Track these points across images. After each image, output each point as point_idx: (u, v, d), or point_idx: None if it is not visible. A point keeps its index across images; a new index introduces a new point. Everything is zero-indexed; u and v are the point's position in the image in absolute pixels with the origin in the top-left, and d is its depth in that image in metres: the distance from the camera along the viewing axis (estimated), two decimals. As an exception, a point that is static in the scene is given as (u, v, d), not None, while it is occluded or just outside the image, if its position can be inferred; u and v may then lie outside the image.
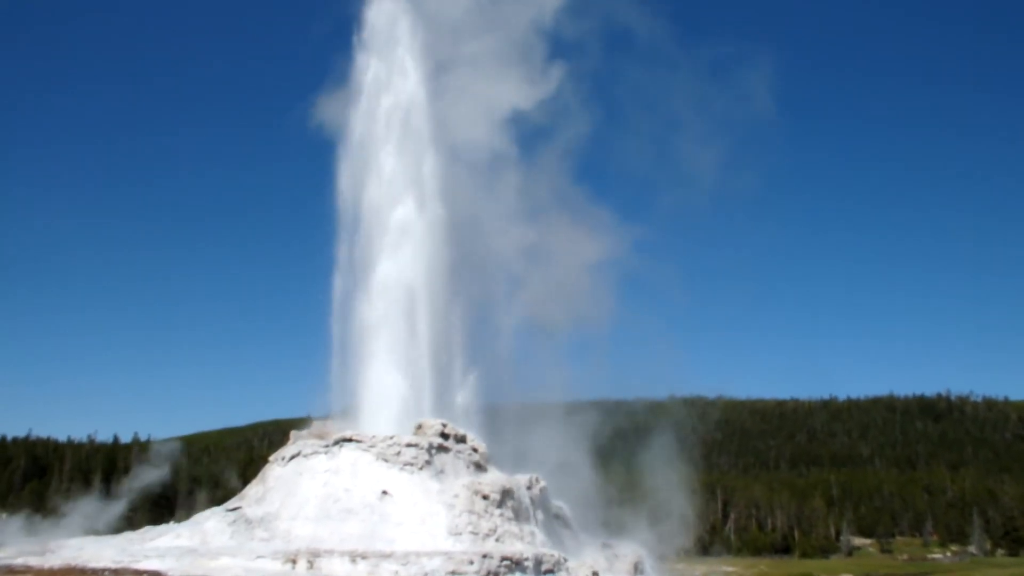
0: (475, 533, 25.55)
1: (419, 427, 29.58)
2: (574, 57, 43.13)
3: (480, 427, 31.19)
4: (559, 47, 42.41)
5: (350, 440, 28.58)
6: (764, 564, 65.03)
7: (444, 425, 29.47)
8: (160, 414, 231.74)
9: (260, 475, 29.56)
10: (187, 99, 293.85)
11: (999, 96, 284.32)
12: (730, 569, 58.10)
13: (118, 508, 39.28)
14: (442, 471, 28.13)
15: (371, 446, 28.21)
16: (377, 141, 35.52)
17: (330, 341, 33.80)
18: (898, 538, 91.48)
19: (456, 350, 33.36)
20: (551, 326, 40.85)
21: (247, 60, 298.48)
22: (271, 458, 29.81)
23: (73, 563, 22.72)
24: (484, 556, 23.04)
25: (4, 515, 45.59)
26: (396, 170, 35.01)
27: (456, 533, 25.36)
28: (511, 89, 39.99)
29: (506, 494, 27.35)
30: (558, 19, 42.62)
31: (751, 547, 79.04)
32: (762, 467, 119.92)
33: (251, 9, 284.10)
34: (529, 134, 41.25)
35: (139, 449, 78.48)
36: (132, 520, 40.17)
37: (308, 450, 28.67)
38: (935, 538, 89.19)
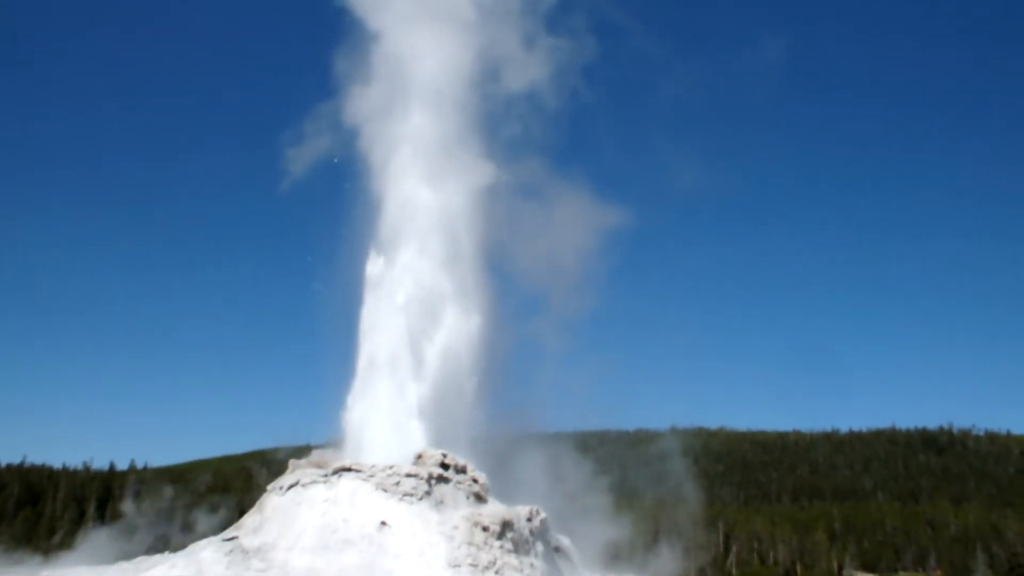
0: (474, 565, 25.20)
1: (419, 457, 29.28)
2: (569, 41, 42.59)
3: (480, 457, 30.84)
4: (555, 29, 41.95)
5: (349, 470, 28.28)
6: (766, 599, 64.19)
7: (444, 455, 29.16)
8: (157, 441, 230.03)
9: (258, 504, 29.23)
10: (181, 119, 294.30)
11: (1006, 120, 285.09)
12: (732, 603, 57.39)
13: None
14: (442, 502, 27.79)
15: (370, 476, 27.92)
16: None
17: (332, 368, 33.63)
18: (901, 573, 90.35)
19: (460, 378, 33.07)
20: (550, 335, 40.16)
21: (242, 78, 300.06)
22: (269, 487, 29.49)
23: (65, 593, 22.35)
24: (484, 589, 22.67)
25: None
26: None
27: (455, 565, 25.01)
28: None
29: (506, 526, 27.01)
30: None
31: (753, 581, 78.16)
32: (764, 499, 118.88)
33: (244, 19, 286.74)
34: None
35: (135, 477, 77.91)
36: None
37: (307, 479, 28.36)
38: (938, 573, 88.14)
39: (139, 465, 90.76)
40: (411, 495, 27.35)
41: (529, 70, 39.89)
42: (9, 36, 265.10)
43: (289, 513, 27.06)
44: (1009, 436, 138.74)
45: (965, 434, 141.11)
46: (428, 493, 27.65)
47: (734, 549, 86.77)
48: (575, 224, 41.10)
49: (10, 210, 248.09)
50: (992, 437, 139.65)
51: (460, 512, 27.31)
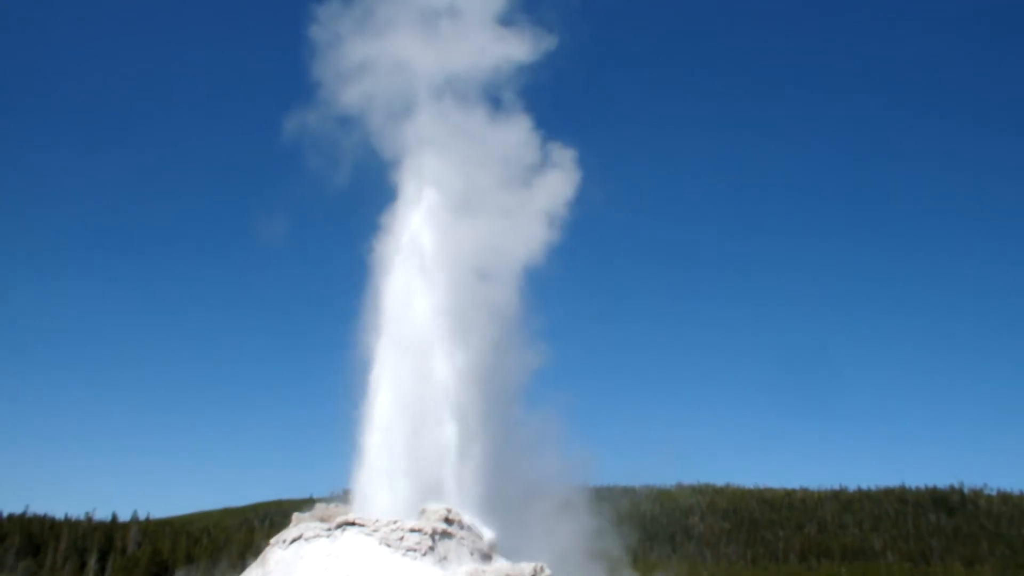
0: (478, 623, 24.93)
1: (423, 512, 29.10)
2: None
3: (484, 512, 30.65)
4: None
5: (353, 524, 28.12)
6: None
7: (448, 510, 28.96)
8: (160, 492, 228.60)
9: (260, 557, 29.09)
10: (184, 171, 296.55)
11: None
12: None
13: None
14: (445, 558, 27.57)
15: (374, 530, 27.75)
16: None
17: (338, 419, 33.63)
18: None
19: (464, 430, 32.98)
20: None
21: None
22: (272, 540, 29.40)
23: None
24: (487, 648, 22.41)
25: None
26: None
27: (458, 623, 24.74)
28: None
29: (510, 583, 26.78)
30: None
31: (761, 643, 76.81)
32: (771, 558, 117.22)
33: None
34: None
35: (138, 528, 77.38)
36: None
37: (310, 533, 28.22)
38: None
39: (141, 516, 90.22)
40: (414, 550, 27.16)
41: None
42: None
43: (292, 567, 26.88)
44: (1022, 496, 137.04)
45: (977, 494, 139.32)
46: (432, 548, 27.45)
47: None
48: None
49: (10, 257, 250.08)
50: (1005, 497, 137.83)
51: (464, 568, 27.09)
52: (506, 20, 40.11)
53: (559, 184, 39.38)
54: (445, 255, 35.07)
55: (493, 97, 39.19)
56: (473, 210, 36.43)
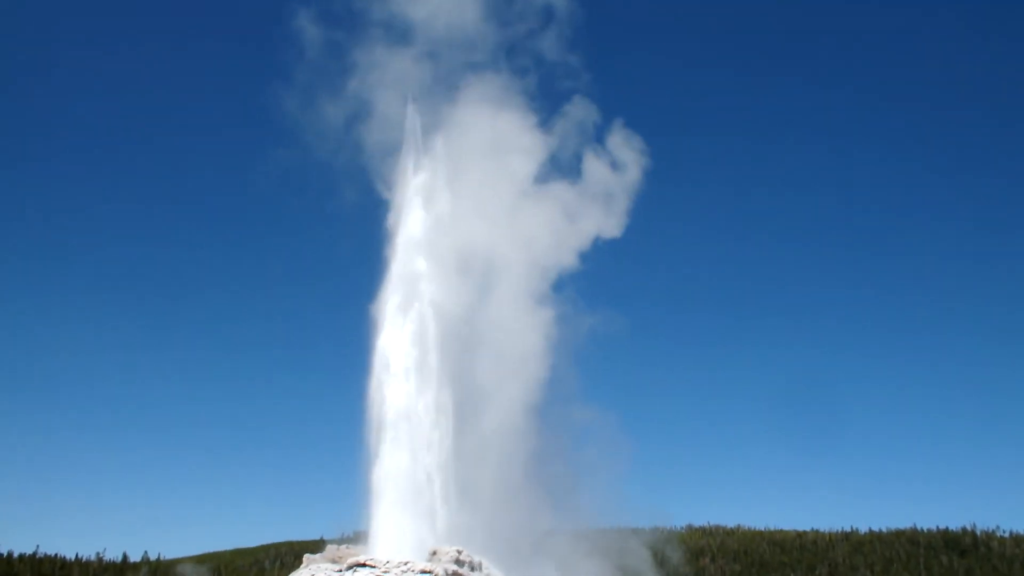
0: (488, 665, 25.23)
1: (433, 553, 29.48)
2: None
3: (498, 554, 30.95)
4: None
5: (364, 565, 28.50)
6: None
7: (460, 552, 29.36)
8: (171, 533, 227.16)
9: (272, 599, 29.47)
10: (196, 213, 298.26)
11: None
12: None
13: None
14: (455, 600, 27.90)
15: (384, 572, 28.10)
16: None
17: (348, 460, 33.97)
18: None
19: (476, 471, 33.35)
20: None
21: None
22: (284, 582, 29.79)
23: None
24: None
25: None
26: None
27: (468, 664, 25.04)
28: None
29: (520, 625, 27.05)
30: None
31: None
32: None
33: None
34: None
35: (148, 569, 77.47)
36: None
37: (321, 574, 28.63)
38: None
39: (152, 556, 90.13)
40: (425, 592, 27.51)
41: None
42: None
43: (304, 608, 27.27)
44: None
45: (989, 536, 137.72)
46: (442, 590, 27.79)
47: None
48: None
49: (15, 299, 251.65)
50: (1018, 539, 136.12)
51: (475, 610, 27.41)
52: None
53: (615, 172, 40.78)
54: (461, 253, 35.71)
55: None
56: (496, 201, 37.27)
